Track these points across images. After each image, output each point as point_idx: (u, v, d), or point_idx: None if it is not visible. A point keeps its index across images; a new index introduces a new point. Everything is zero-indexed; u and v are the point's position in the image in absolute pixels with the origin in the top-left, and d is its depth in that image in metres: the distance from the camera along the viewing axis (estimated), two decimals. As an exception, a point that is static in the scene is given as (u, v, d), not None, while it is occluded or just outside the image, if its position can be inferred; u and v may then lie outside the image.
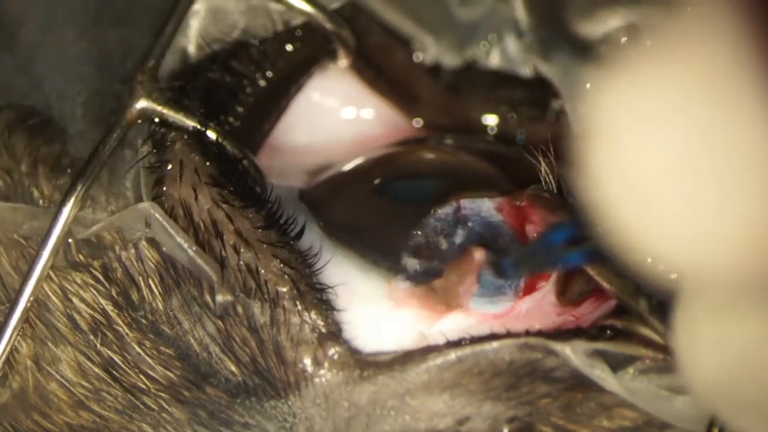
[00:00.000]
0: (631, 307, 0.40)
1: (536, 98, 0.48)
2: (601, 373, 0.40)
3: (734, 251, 0.26)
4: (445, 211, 0.43)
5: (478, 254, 0.41)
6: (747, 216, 0.25)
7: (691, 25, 0.25)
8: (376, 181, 0.45)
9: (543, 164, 0.43)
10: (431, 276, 0.42)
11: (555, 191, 0.42)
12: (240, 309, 0.41)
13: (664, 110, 0.25)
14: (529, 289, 0.42)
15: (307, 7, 0.45)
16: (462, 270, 0.42)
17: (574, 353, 0.40)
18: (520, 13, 0.48)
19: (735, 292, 0.27)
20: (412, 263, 0.43)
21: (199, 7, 0.44)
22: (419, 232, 0.43)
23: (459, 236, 0.43)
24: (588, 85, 0.45)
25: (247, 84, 0.45)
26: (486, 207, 0.43)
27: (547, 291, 0.42)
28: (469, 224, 0.43)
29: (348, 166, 0.46)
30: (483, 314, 0.42)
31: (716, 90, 0.25)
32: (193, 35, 0.45)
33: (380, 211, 0.44)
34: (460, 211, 0.43)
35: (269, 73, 0.46)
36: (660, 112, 0.25)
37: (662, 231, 0.26)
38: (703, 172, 0.25)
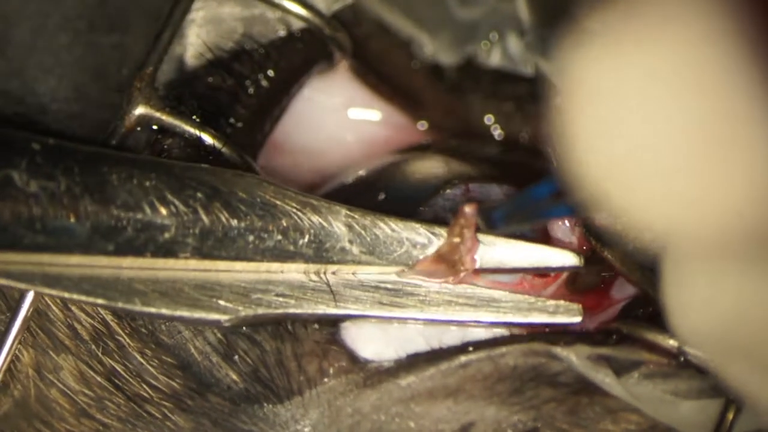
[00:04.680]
0: (655, 299, 0.40)
1: (540, 95, 0.48)
2: (605, 378, 0.40)
3: (718, 214, 0.26)
4: (454, 191, 0.43)
5: (469, 209, 0.41)
6: (729, 182, 0.26)
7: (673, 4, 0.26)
8: (381, 197, 0.45)
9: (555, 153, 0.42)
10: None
11: None
12: None
13: (646, 79, 0.26)
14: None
15: (304, 12, 0.45)
16: (460, 229, 0.41)
17: (578, 358, 0.40)
18: (523, 11, 0.47)
19: (720, 252, 0.28)
20: None
21: (195, 16, 0.44)
22: (426, 209, 0.43)
23: None
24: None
25: (250, 85, 0.45)
26: (495, 192, 0.43)
27: (558, 284, 0.42)
28: None
29: (351, 178, 0.46)
30: (492, 281, 0.42)
31: (696, 62, 0.26)
32: (189, 43, 0.44)
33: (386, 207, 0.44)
34: (468, 192, 0.43)
35: (271, 72, 0.46)
36: (643, 81, 0.26)
37: (649, 198, 0.27)
38: (685, 138, 0.26)
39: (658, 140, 0.26)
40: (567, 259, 0.41)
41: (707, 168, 0.26)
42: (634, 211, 0.27)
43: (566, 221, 0.42)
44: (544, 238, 0.43)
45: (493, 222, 0.41)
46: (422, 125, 0.49)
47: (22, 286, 0.39)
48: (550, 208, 0.38)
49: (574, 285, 0.42)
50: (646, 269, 0.40)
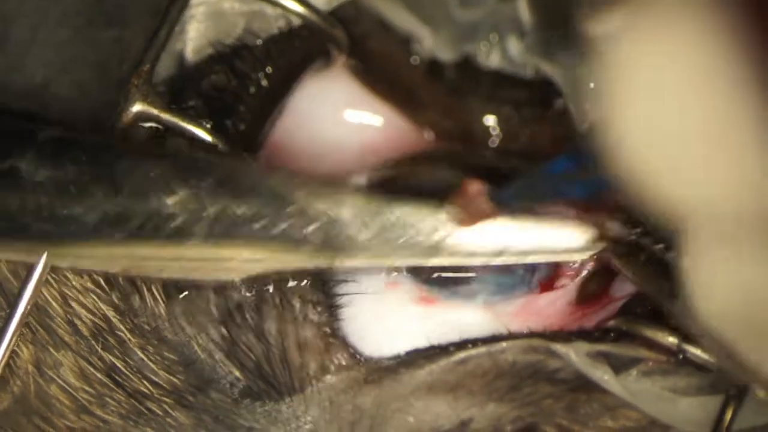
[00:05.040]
0: (669, 309, 0.40)
1: (539, 97, 0.48)
2: (603, 376, 0.40)
3: (736, 192, 0.28)
4: None
5: (474, 186, 0.40)
6: (744, 163, 0.28)
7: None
8: None
9: None
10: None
11: None
12: (246, 312, 0.41)
13: (679, 63, 0.28)
14: (546, 288, 0.43)
15: (300, 9, 0.45)
16: (464, 203, 0.41)
17: (576, 355, 0.40)
18: (523, 12, 0.47)
19: (743, 232, 0.29)
20: None
21: (195, 11, 0.44)
22: None
23: None
24: (593, 84, 0.45)
25: (251, 83, 0.45)
26: None
27: (569, 290, 0.43)
28: None
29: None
30: (498, 313, 0.42)
31: (707, 53, 0.28)
32: (189, 39, 0.45)
33: None
34: None
35: (269, 69, 0.46)
36: (675, 65, 0.28)
37: (674, 173, 0.28)
38: (711, 119, 0.28)
39: (682, 123, 0.28)
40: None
41: (726, 148, 0.27)
42: (659, 188, 0.28)
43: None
44: None
45: (503, 201, 0.39)
46: (420, 125, 0.49)
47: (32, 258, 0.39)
48: (564, 186, 0.37)
49: (580, 295, 0.43)
50: (663, 280, 0.40)
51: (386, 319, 0.42)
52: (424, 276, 0.42)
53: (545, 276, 0.42)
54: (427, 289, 0.42)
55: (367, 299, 0.42)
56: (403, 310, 0.42)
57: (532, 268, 0.42)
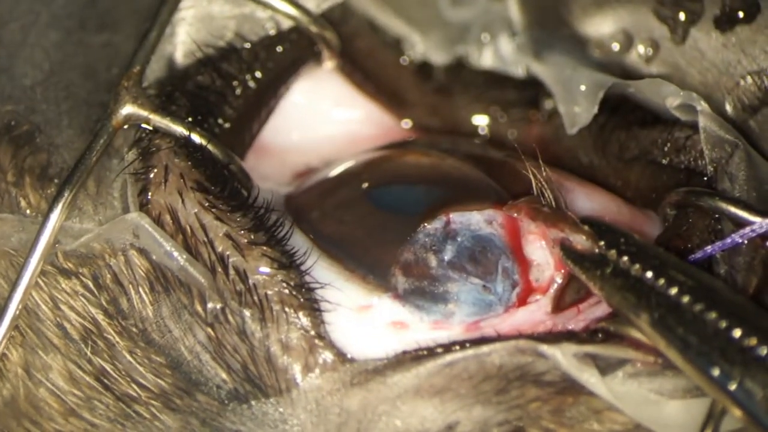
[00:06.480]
0: (632, 322, 0.40)
1: (528, 99, 0.48)
2: (589, 378, 0.40)
3: None
4: (434, 225, 0.43)
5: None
6: None
7: None
8: (365, 185, 0.45)
9: (535, 174, 0.43)
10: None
11: (551, 202, 0.42)
12: (230, 315, 0.41)
13: None
14: (522, 302, 0.43)
15: (292, 11, 0.45)
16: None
17: (563, 356, 0.40)
18: (514, 12, 0.47)
19: None
20: (401, 281, 0.43)
21: (185, 14, 0.44)
22: (409, 248, 0.43)
23: (448, 252, 0.42)
24: (582, 87, 0.45)
25: (237, 85, 0.45)
26: (475, 220, 0.43)
27: (542, 304, 0.42)
28: (459, 239, 0.43)
29: (336, 171, 0.46)
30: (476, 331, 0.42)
31: None
32: (179, 42, 0.45)
33: (369, 222, 0.44)
34: (449, 225, 0.43)
35: (258, 74, 0.46)
36: None
37: None
38: None
39: None
40: None
41: None
42: None
43: (543, 242, 0.42)
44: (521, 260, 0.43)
45: None
46: (406, 123, 0.49)
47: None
48: None
49: (558, 306, 0.43)
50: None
51: (362, 337, 0.42)
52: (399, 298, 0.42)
53: (521, 292, 0.42)
54: (402, 310, 0.42)
55: (346, 311, 0.42)
56: (377, 332, 0.42)
57: (512, 284, 0.42)
